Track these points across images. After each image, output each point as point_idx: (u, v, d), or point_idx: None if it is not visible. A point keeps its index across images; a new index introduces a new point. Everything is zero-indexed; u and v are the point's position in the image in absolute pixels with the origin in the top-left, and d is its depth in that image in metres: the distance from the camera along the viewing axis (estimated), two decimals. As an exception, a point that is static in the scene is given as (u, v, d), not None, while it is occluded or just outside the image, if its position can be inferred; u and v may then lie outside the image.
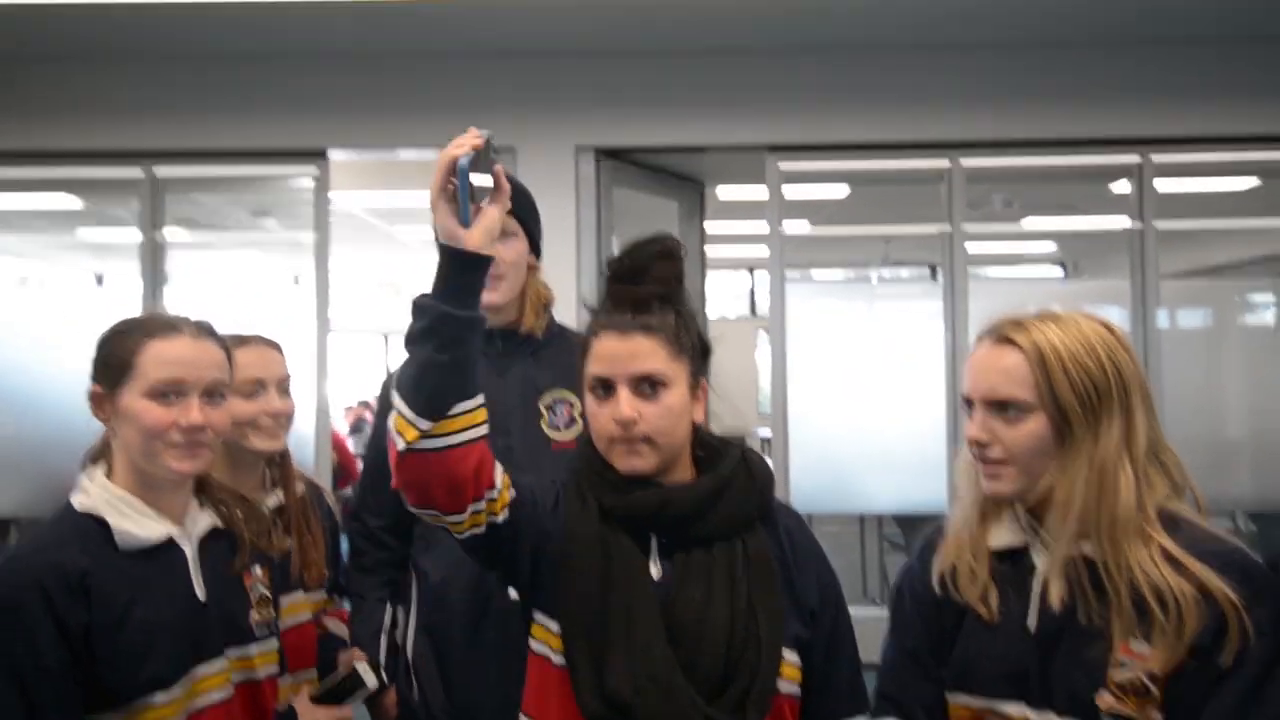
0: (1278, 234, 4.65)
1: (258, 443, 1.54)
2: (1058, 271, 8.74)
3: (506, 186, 1.07)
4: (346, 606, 1.79)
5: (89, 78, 3.72)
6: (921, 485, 3.67)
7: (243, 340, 1.53)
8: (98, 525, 1.16)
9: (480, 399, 1.06)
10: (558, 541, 1.13)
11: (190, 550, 1.23)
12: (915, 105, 3.62)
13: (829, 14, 3.29)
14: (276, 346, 1.62)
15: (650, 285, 1.13)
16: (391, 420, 1.04)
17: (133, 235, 3.89)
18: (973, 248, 3.71)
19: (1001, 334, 1.08)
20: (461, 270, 1.01)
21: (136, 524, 1.18)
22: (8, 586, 1.10)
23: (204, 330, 1.25)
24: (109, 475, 1.21)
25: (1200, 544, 0.99)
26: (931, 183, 3.80)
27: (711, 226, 4.73)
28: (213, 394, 1.22)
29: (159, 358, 1.18)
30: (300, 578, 1.58)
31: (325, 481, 3.67)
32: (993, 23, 3.39)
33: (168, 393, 1.18)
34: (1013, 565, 1.08)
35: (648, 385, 1.10)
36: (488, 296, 1.53)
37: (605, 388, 1.12)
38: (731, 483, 1.14)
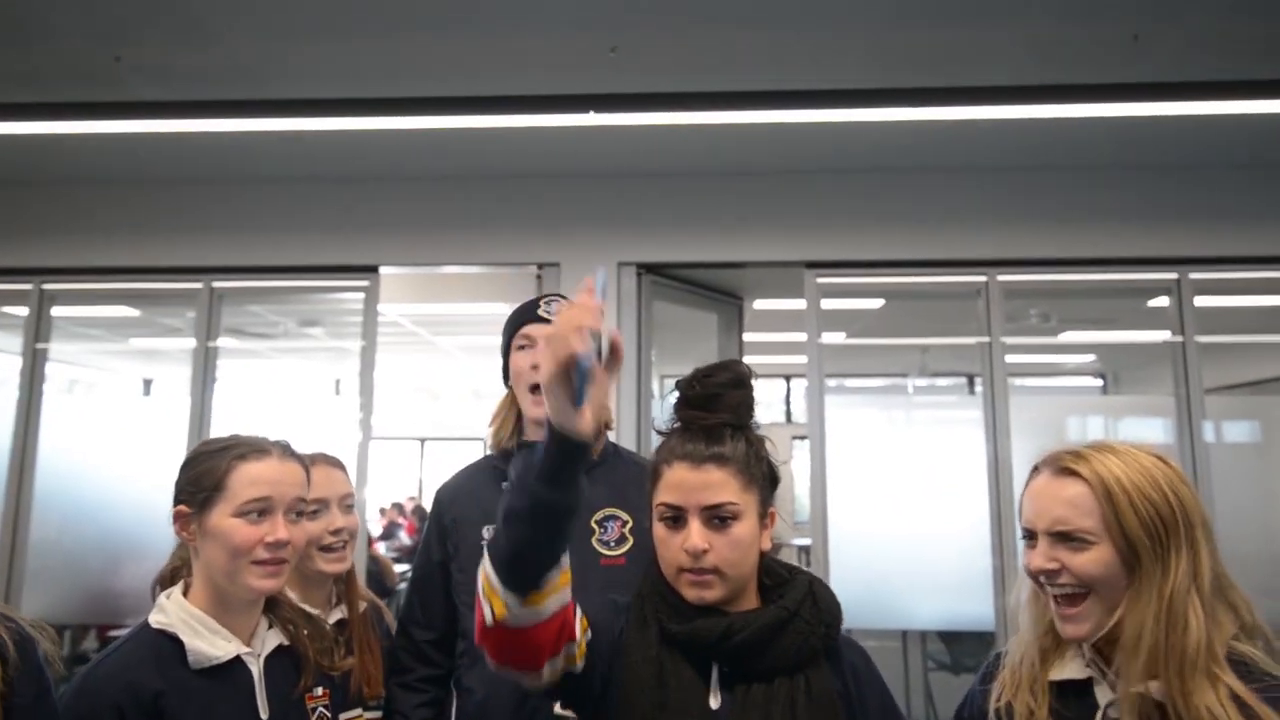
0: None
1: (324, 565, 1.56)
2: (1097, 383, 8.65)
3: (621, 354, 1.02)
4: None
5: (156, 199, 3.96)
6: (965, 601, 3.55)
7: (311, 459, 1.57)
8: (171, 643, 1.19)
9: (566, 560, 1.04)
10: (618, 664, 1.12)
11: (257, 670, 1.25)
12: (950, 225, 3.71)
13: (865, 137, 3.43)
14: (339, 465, 1.66)
15: (722, 414, 1.14)
16: (480, 584, 1.04)
17: (182, 343, 4.03)
18: (1011, 359, 3.71)
19: (1062, 464, 1.08)
20: (569, 456, 0.98)
21: (209, 643, 1.21)
22: (87, 705, 1.12)
23: (288, 451, 1.30)
24: (185, 594, 1.24)
25: (1270, 689, 0.96)
26: (968, 297, 3.84)
27: (748, 335, 4.78)
28: (294, 511, 1.26)
29: (250, 478, 1.23)
30: (359, 694, 1.57)
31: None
32: (1025, 147, 3.51)
33: (256, 511, 1.21)
34: (1075, 700, 1.07)
35: (719, 517, 1.11)
36: (539, 410, 1.58)
37: (676, 517, 1.13)
38: (797, 615, 1.13)
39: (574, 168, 3.78)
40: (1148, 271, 3.71)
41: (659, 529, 1.15)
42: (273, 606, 1.32)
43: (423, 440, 11.20)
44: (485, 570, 1.03)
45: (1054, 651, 1.10)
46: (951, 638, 4.15)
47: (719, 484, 1.11)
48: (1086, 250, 3.67)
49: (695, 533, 1.10)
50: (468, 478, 1.70)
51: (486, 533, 1.58)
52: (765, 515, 1.16)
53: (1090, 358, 7.91)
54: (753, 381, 1.19)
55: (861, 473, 3.69)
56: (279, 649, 1.29)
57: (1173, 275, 3.68)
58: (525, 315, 1.66)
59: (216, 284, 3.96)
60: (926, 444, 3.77)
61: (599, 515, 1.60)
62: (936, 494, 3.64)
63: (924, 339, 5.78)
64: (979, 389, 3.78)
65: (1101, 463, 1.05)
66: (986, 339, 3.68)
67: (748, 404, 1.17)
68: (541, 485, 0.98)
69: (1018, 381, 3.68)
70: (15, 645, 1.02)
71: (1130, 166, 3.65)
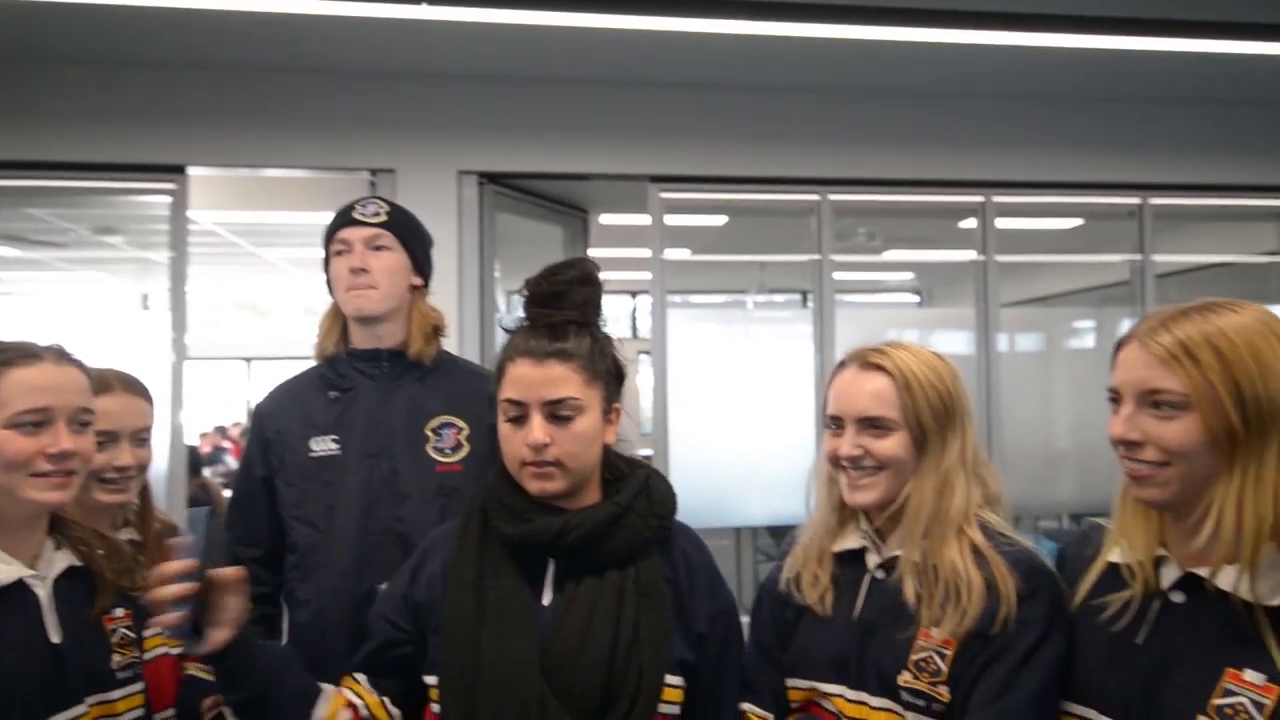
0: (1099, 269, 5.20)
1: (101, 495, 1.46)
2: (914, 299, 9.39)
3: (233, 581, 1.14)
4: None
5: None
6: (791, 498, 3.80)
7: (105, 385, 1.43)
8: None
9: (321, 696, 1.19)
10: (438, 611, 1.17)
11: (44, 593, 1.16)
12: (787, 143, 3.82)
13: (710, 53, 3.43)
14: (140, 391, 1.53)
15: (567, 310, 1.16)
16: None
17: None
18: (840, 276, 3.94)
19: (867, 360, 1.21)
20: (225, 667, 1.13)
21: None
22: None
23: (64, 355, 1.19)
24: None
25: (1001, 545, 1.13)
26: (802, 214, 4.01)
27: (594, 251, 4.78)
28: (78, 421, 1.16)
29: (23, 386, 1.13)
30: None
31: (181, 514, 3.42)
32: (858, 70, 3.64)
33: (32, 422, 1.11)
34: (849, 566, 1.21)
35: (561, 411, 1.13)
36: (360, 303, 1.56)
37: (519, 416, 1.14)
38: (630, 509, 1.16)
39: (412, 66, 3.54)
40: (959, 194, 4.02)
41: (503, 426, 1.16)
42: (60, 526, 1.23)
43: (249, 360, 10.50)
44: None
45: (838, 528, 1.25)
46: (778, 532, 4.50)
47: (561, 379, 1.12)
48: (908, 172, 3.91)
49: (537, 427, 1.12)
50: (292, 389, 1.65)
51: (314, 445, 1.55)
52: (609, 411, 1.19)
53: (909, 275, 8.55)
54: (600, 280, 1.20)
55: (701, 384, 3.85)
56: (70, 571, 1.21)
57: (979, 198, 4.01)
58: (340, 220, 1.62)
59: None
60: (762, 357, 3.97)
61: (434, 423, 1.60)
62: (769, 403, 3.87)
63: (762, 256, 6.00)
64: (811, 304, 4.00)
65: (900, 359, 1.19)
66: (818, 256, 3.88)
67: (594, 301, 1.19)
68: (228, 692, 1.15)
69: (845, 297, 3.93)
70: None
71: (950, 94, 3.89)
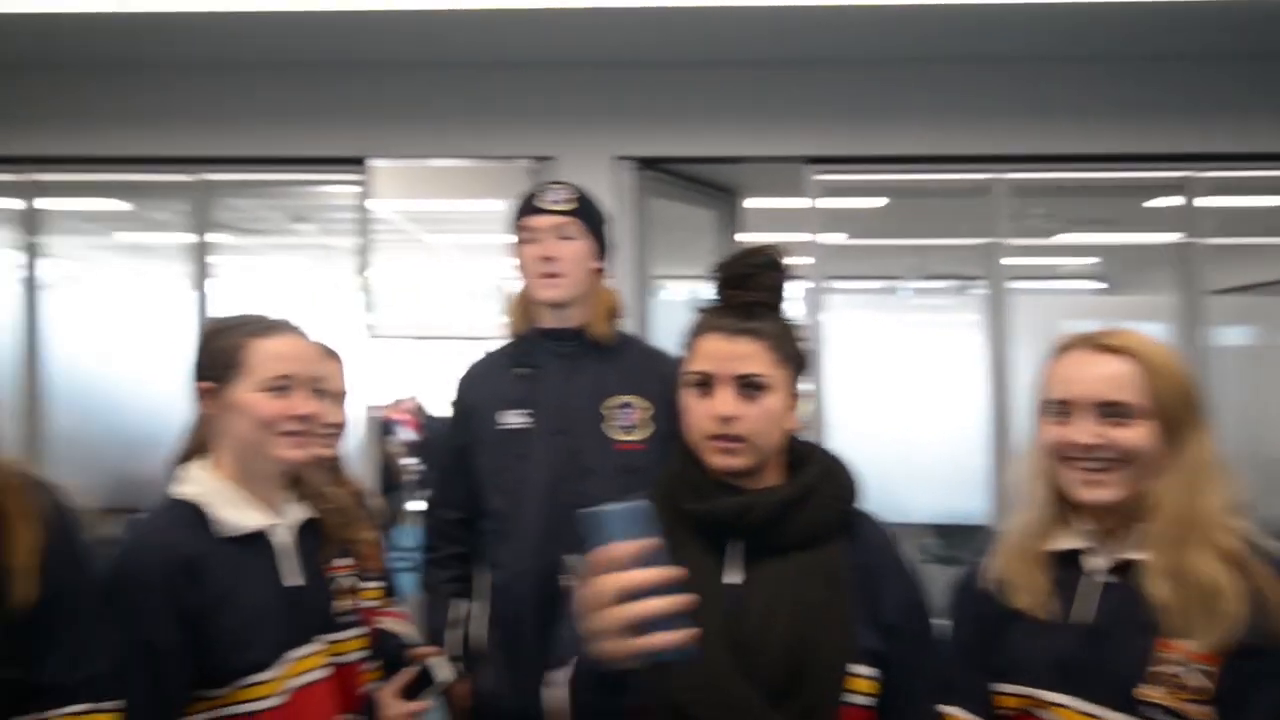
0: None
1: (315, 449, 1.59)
2: (1096, 286, 8.62)
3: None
4: (400, 606, 1.85)
5: (143, 86, 3.81)
6: (962, 496, 3.64)
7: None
8: (200, 513, 1.23)
9: None
10: None
11: (284, 539, 1.30)
12: (957, 119, 3.59)
13: (872, 26, 3.28)
14: (337, 359, 1.68)
15: (758, 292, 1.17)
16: None
17: (174, 238, 3.98)
18: (1013, 261, 3.67)
19: (1100, 342, 1.12)
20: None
21: (236, 513, 1.24)
22: (132, 569, 1.18)
23: (297, 328, 1.33)
24: (212, 467, 1.29)
25: (1260, 551, 1.04)
26: (969, 196, 3.77)
27: (745, 237, 4.72)
28: (312, 387, 1.29)
29: (270, 354, 1.26)
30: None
31: (374, 486, 3.74)
32: (1036, 36, 3.36)
33: (278, 387, 1.25)
34: (1064, 567, 1.14)
35: (750, 387, 1.13)
36: (550, 292, 1.63)
37: (705, 383, 1.14)
38: (815, 490, 1.15)
39: (570, 57, 3.63)
40: (1157, 169, 3.62)
41: (688, 397, 1.17)
42: (295, 481, 1.36)
43: (417, 340, 11.24)
44: None
45: (1053, 526, 1.16)
46: (946, 531, 4.29)
47: (751, 355, 1.13)
48: (1096, 146, 3.57)
49: (725, 399, 1.12)
50: (486, 365, 1.77)
51: (505, 418, 1.66)
52: (793, 395, 1.19)
53: (1092, 260, 7.84)
54: (787, 266, 1.21)
55: (859, 374, 3.72)
56: (306, 523, 1.34)
57: (1181, 174, 3.60)
58: (528, 207, 1.67)
59: (208, 176, 3.86)
60: (923, 347, 3.78)
61: (613, 402, 1.66)
62: (933, 395, 3.68)
63: (925, 240, 5.69)
64: (975, 291, 3.77)
65: (1139, 341, 1.10)
66: (992, 240, 3.62)
67: (782, 287, 1.20)
68: (619, 697, 0.98)
69: (1016, 284, 3.66)
70: (55, 512, 1.05)
71: (1142, 56, 3.51)
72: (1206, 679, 0.97)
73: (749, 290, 1.17)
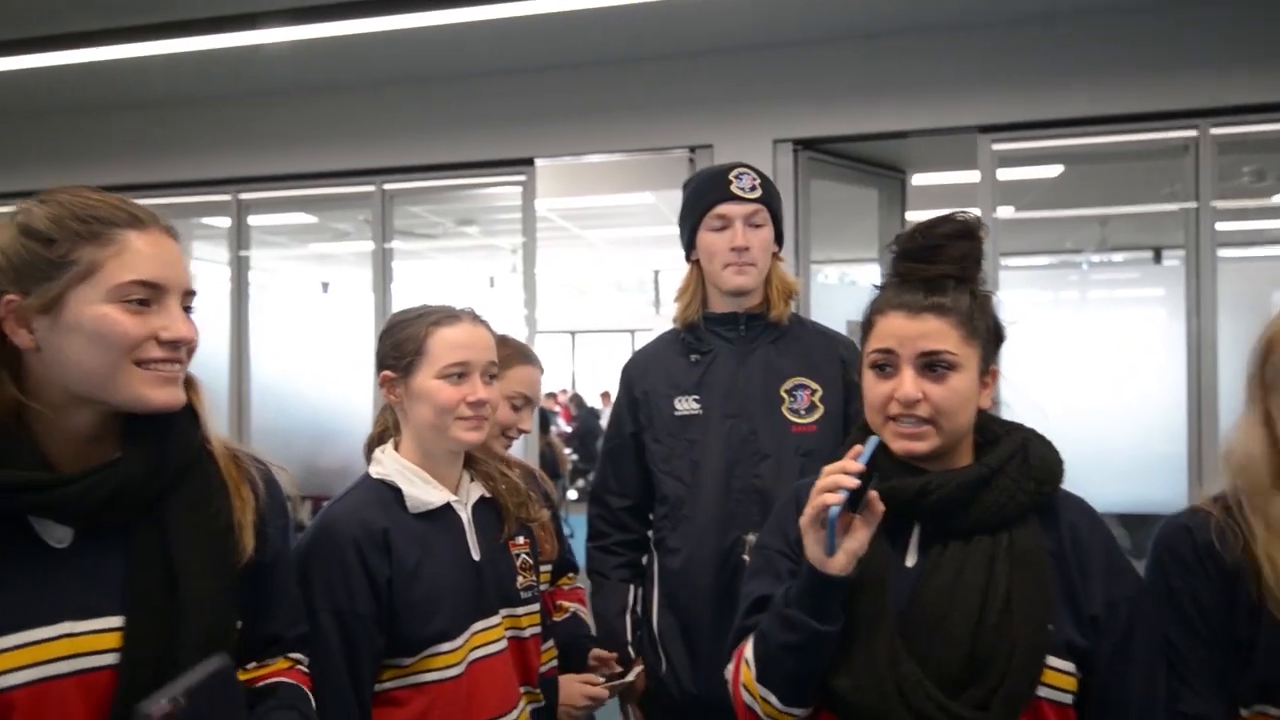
0: None
1: (497, 447, 1.69)
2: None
3: (879, 510, 1.05)
4: (580, 586, 1.89)
5: (326, 105, 4.16)
6: (1152, 484, 3.36)
7: (525, 357, 1.72)
8: (391, 491, 1.33)
9: None
10: None
11: (466, 515, 1.37)
12: (1152, 72, 3.27)
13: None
14: (538, 366, 1.79)
15: (944, 265, 1.09)
16: (756, 705, 1.09)
17: (357, 246, 4.30)
18: (1218, 227, 3.31)
19: None
20: (826, 592, 1.02)
21: (423, 490, 1.33)
22: (330, 542, 1.27)
23: (477, 317, 1.39)
24: (397, 450, 1.38)
25: None
26: (1166, 157, 3.44)
27: (910, 214, 4.54)
28: (488, 374, 1.36)
29: (449, 343, 1.32)
30: None
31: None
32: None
33: (455, 374, 1.32)
34: None
35: (936, 366, 1.07)
36: (742, 280, 1.62)
37: (886, 364, 1.09)
38: (1000, 471, 1.09)
39: (724, 42, 3.62)
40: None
41: (868, 377, 1.13)
42: (472, 462, 1.44)
43: (573, 334, 11.59)
44: (760, 694, 1.07)
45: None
46: (1135, 521, 3.96)
47: (937, 332, 1.07)
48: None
49: (909, 380, 1.07)
50: (655, 352, 1.77)
51: (678, 404, 1.65)
52: (986, 372, 1.13)
53: (1305, 223, 6.96)
54: (980, 234, 1.12)
55: (1036, 354, 3.50)
56: (481, 500, 1.41)
57: None
58: (717, 194, 1.64)
59: (388, 186, 4.16)
60: (1107, 324, 3.51)
61: (788, 384, 1.64)
62: (1119, 377, 3.40)
63: (1115, 209, 5.22)
64: (1168, 262, 3.43)
65: None
66: (1194, 204, 3.29)
67: (974, 256, 1.11)
68: (809, 619, 1.02)
69: (1221, 252, 3.30)
70: (265, 484, 1.13)
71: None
72: None
73: (935, 263, 1.09)
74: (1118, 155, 3.67)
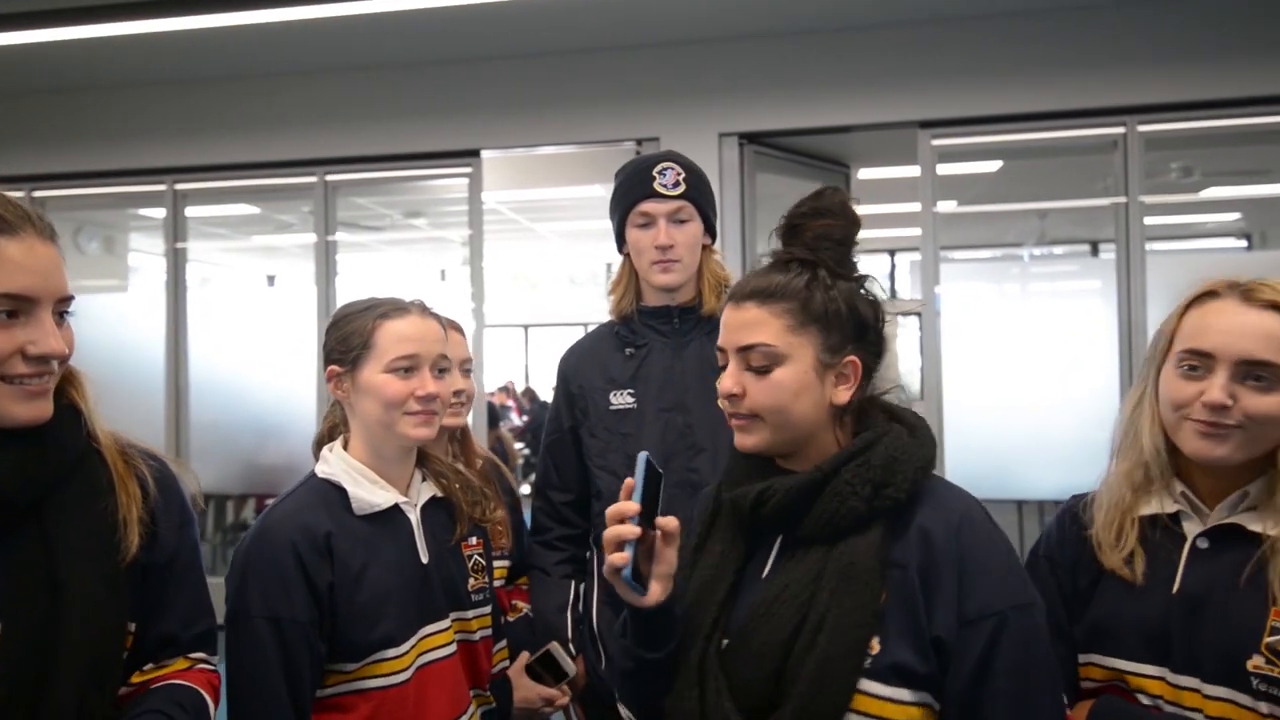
0: None
1: (445, 419, 1.62)
2: (1240, 244, 7.96)
3: (672, 528, 0.99)
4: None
5: (268, 92, 4.06)
6: (1085, 470, 3.46)
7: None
8: (336, 492, 1.27)
9: None
10: None
11: (415, 517, 1.32)
12: (1083, 70, 3.38)
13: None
14: (460, 330, 1.73)
15: (794, 247, 1.00)
16: None
17: (302, 238, 4.22)
18: (1147, 221, 3.44)
19: (1256, 295, 1.00)
20: (649, 622, 0.99)
21: (369, 491, 1.28)
22: (268, 545, 1.21)
23: (426, 309, 1.35)
24: (345, 448, 1.33)
25: None
26: (1096, 153, 3.55)
27: (858, 210, 4.61)
28: (438, 368, 1.32)
29: (396, 336, 1.28)
30: None
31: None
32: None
33: (403, 368, 1.27)
34: (1161, 532, 1.06)
35: (752, 359, 0.97)
36: (667, 278, 1.61)
37: (722, 360, 1.02)
38: (835, 474, 0.95)
39: (672, 35, 3.62)
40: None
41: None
42: (425, 460, 1.40)
43: (526, 327, 11.52)
44: (623, 712, 1.08)
45: (1147, 486, 1.09)
46: (1070, 507, 4.10)
47: (755, 323, 0.97)
48: (1239, 89, 3.29)
49: (728, 374, 1.00)
50: (590, 346, 1.75)
51: (613, 398, 1.65)
52: (833, 364, 0.98)
53: (1234, 216, 7.24)
54: (843, 211, 1.00)
55: (977, 344, 3.59)
56: (433, 500, 1.37)
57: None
58: (640, 190, 1.63)
59: (330, 176, 4.08)
60: (1044, 316, 3.61)
61: None
62: (1056, 366, 3.51)
63: (1049, 203, 5.39)
64: (1104, 255, 3.55)
65: (1270, 289, 1.00)
66: (1124, 199, 3.41)
67: (831, 235, 0.99)
68: (638, 647, 1.01)
69: (1150, 245, 3.42)
70: (156, 480, 1.07)
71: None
72: None
73: (789, 244, 1.00)
74: (1053, 151, 3.78)
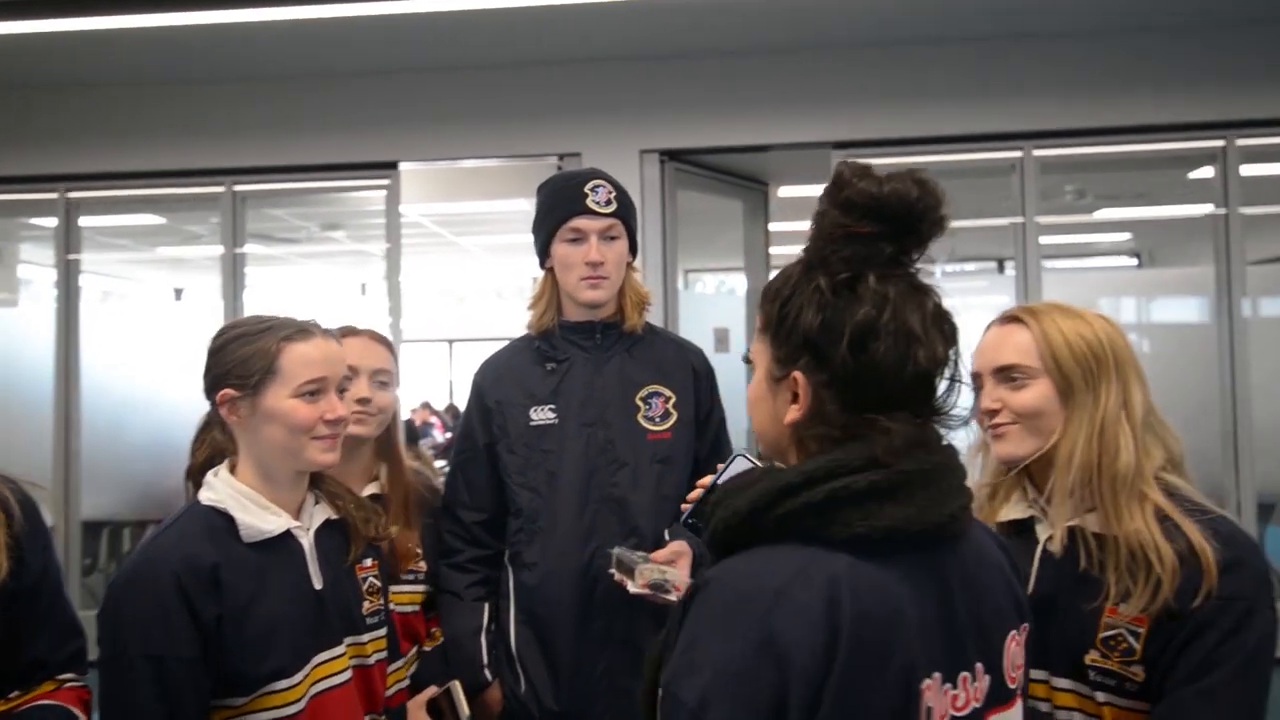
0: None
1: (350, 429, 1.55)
2: (1131, 262, 8.46)
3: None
4: None
5: (175, 99, 3.90)
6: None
7: (354, 330, 1.59)
8: (223, 519, 1.21)
9: None
10: None
11: (307, 542, 1.27)
12: (983, 97, 3.56)
13: (894, 8, 3.26)
14: (384, 341, 1.67)
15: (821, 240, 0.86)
16: None
17: (211, 250, 4.06)
18: (1045, 240, 3.63)
19: (1009, 316, 1.18)
20: None
21: (259, 518, 1.22)
22: (148, 579, 1.14)
23: (327, 330, 1.30)
24: (232, 473, 1.26)
25: (1192, 510, 1.03)
26: (1000, 174, 3.72)
27: (774, 225, 4.71)
28: (340, 389, 1.29)
29: (303, 359, 1.23)
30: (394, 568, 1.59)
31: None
32: (1059, 10, 3.31)
33: (311, 391, 1.22)
34: (1018, 539, 1.13)
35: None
36: (596, 294, 1.59)
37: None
38: (720, 501, 0.81)
39: (593, 52, 3.64)
40: (1193, 139, 3.55)
41: None
42: (318, 482, 1.35)
43: (450, 342, 11.33)
44: None
45: (1000, 497, 1.19)
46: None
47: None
48: (1128, 118, 3.52)
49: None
50: (507, 360, 1.71)
51: (533, 414, 1.62)
52: (781, 379, 0.83)
53: (1125, 236, 7.70)
54: (836, 196, 0.85)
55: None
56: (326, 523, 1.32)
57: (1218, 143, 3.52)
58: (572, 206, 1.62)
59: (239, 187, 3.94)
60: (958, 328, 3.75)
61: (643, 392, 1.63)
62: (965, 380, 3.65)
63: (955, 221, 5.63)
64: (1009, 272, 3.72)
65: (1041, 309, 1.15)
66: (1021, 219, 3.58)
67: (820, 228, 0.85)
68: None
69: (1049, 263, 3.60)
70: (20, 504, 1.05)
71: (1171, 28, 3.44)
72: (1137, 641, 1.00)
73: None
74: (959, 172, 3.94)
